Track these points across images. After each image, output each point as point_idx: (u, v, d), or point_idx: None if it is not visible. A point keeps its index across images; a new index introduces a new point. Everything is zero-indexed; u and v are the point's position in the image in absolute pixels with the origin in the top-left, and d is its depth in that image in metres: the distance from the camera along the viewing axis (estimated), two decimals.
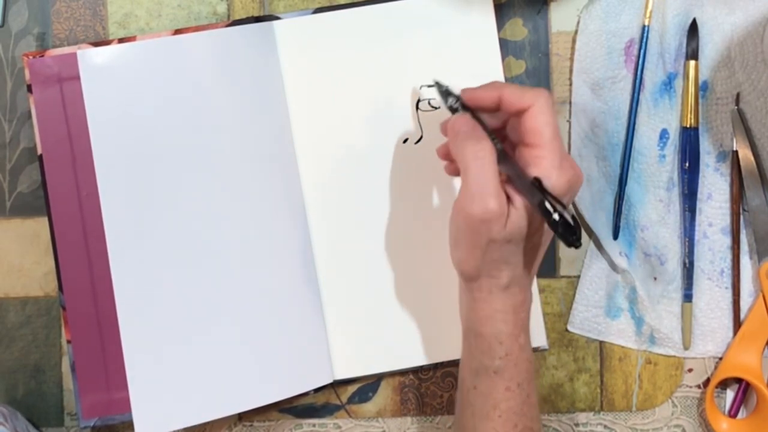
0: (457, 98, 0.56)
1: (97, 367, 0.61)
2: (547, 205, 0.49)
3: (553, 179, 0.50)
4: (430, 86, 0.63)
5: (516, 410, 0.54)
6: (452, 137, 0.54)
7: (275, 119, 0.63)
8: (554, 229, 0.49)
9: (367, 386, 0.65)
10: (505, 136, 0.56)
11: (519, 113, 0.53)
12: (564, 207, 0.49)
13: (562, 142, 0.52)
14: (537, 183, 0.50)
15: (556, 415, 0.65)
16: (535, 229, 0.53)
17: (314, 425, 0.65)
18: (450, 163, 0.59)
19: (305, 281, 0.63)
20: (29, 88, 0.61)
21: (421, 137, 0.63)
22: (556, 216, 0.48)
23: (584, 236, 0.64)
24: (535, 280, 0.63)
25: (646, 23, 0.62)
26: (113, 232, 0.61)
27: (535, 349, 0.64)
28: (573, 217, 0.48)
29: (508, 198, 0.52)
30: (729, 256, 0.64)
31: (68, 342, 0.61)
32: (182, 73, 0.61)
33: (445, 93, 0.57)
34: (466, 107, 0.55)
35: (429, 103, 0.63)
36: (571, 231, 0.48)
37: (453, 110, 0.56)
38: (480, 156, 0.51)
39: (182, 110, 0.61)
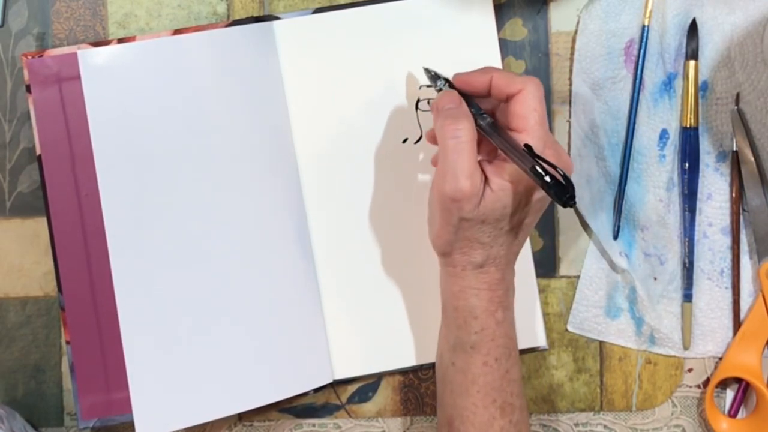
0: (446, 81, 0.57)
1: (97, 368, 0.61)
2: (538, 168, 0.48)
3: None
4: (429, 86, 0.63)
5: (495, 385, 0.55)
6: (435, 115, 0.55)
7: (275, 119, 0.63)
8: (547, 189, 0.48)
9: (367, 386, 0.65)
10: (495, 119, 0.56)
11: (508, 98, 0.53)
12: (555, 167, 0.48)
13: (548, 130, 0.53)
14: (528, 149, 0.50)
15: (556, 415, 0.65)
16: (516, 209, 0.53)
17: (314, 425, 0.65)
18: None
19: (305, 281, 0.63)
20: (28, 89, 0.61)
21: (420, 137, 0.63)
22: (548, 178, 0.48)
23: (584, 236, 0.64)
24: (535, 280, 0.63)
25: (646, 23, 0.62)
26: (113, 232, 0.61)
27: (535, 349, 0.64)
28: (564, 176, 0.48)
29: (487, 179, 0.52)
30: (729, 256, 0.64)
31: (67, 343, 0.61)
32: (182, 73, 0.61)
33: (434, 77, 0.58)
34: (453, 88, 0.56)
35: (428, 103, 0.63)
36: (564, 190, 0.48)
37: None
38: (457, 135, 0.52)
39: (182, 110, 0.61)
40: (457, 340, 0.56)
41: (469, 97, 0.55)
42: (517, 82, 0.53)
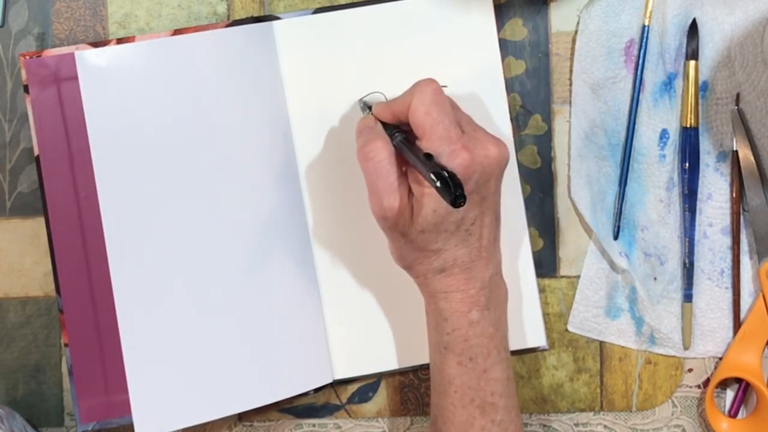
0: (369, 108, 0.59)
1: (95, 371, 0.61)
2: (431, 174, 0.48)
3: (443, 163, 0.51)
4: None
5: (471, 385, 0.55)
6: (356, 140, 0.56)
7: (275, 119, 0.63)
8: (439, 192, 0.48)
9: (367, 386, 0.65)
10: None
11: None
12: (443, 169, 0.48)
13: (453, 125, 0.52)
14: (427, 156, 0.50)
15: (556, 415, 0.65)
16: (449, 210, 0.52)
17: (314, 425, 0.65)
18: None
19: (305, 281, 0.63)
20: (26, 89, 0.61)
21: None
22: (438, 183, 0.48)
23: (584, 236, 0.64)
24: (535, 280, 0.63)
25: (646, 23, 0.62)
26: (112, 234, 0.61)
27: (535, 349, 0.64)
28: (451, 176, 0.48)
29: (410, 191, 0.53)
30: (729, 256, 0.64)
31: (66, 345, 0.61)
32: (182, 73, 0.61)
33: (363, 107, 0.60)
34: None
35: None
36: (449, 188, 0.47)
37: None
38: (370, 157, 0.53)
39: (182, 110, 0.61)
40: (434, 341, 0.56)
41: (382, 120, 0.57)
42: (406, 97, 0.54)
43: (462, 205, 0.47)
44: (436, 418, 0.57)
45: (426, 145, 0.52)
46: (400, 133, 0.54)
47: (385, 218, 0.53)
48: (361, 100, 0.61)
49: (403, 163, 0.55)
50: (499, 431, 0.55)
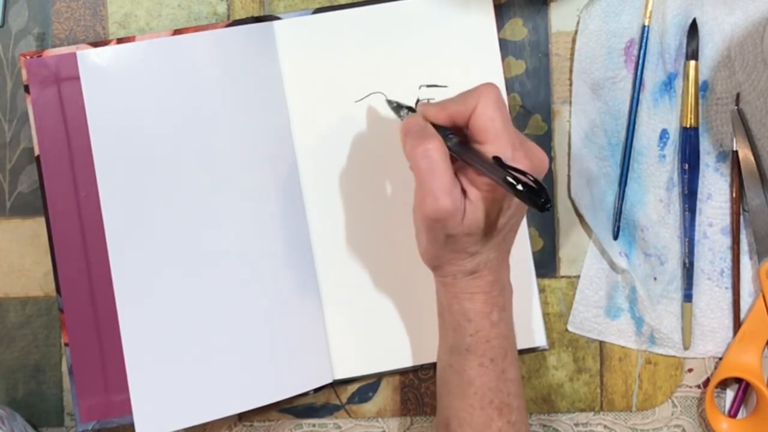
0: (410, 108, 0.57)
1: (95, 370, 0.61)
2: (509, 178, 0.48)
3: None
4: (429, 86, 0.63)
5: (491, 386, 0.55)
6: (403, 139, 0.54)
7: (275, 119, 0.63)
8: (522, 198, 0.48)
9: (367, 386, 0.65)
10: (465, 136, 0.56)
11: (470, 119, 0.53)
12: (525, 174, 0.48)
13: (513, 131, 0.52)
14: (497, 160, 0.50)
15: (556, 415, 0.65)
16: (499, 214, 0.53)
17: (314, 425, 0.65)
18: None
19: (305, 281, 0.63)
20: (26, 89, 0.61)
21: None
22: (519, 186, 0.47)
23: (584, 236, 0.64)
24: (535, 280, 0.63)
25: (646, 23, 0.62)
26: (113, 233, 0.61)
27: (535, 349, 0.64)
28: (535, 181, 0.48)
29: (464, 192, 0.52)
30: (729, 256, 0.64)
31: (66, 345, 0.61)
32: (182, 73, 0.61)
33: (397, 107, 0.58)
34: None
35: (428, 103, 0.63)
36: (538, 194, 0.47)
37: None
38: (428, 155, 0.51)
39: (182, 110, 0.61)
40: (453, 342, 0.56)
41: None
42: (471, 100, 0.52)
43: (549, 210, 0.47)
44: (449, 420, 0.56)
45: (490, 149, 0.51)
46: (454, 135, 0.53)
47: (438, 219, 0.51)
48: (390, 100, 0.60)
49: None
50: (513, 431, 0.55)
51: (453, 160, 0.53)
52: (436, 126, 0.54)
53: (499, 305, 0.55)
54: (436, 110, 0.54)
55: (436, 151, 0.51)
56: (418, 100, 0.60)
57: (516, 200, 0.53)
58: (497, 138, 0.51)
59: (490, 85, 0.53)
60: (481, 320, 0.54)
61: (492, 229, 0.53)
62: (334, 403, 0.65)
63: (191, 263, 0.61)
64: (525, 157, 0.51)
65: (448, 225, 0.52)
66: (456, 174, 0.52)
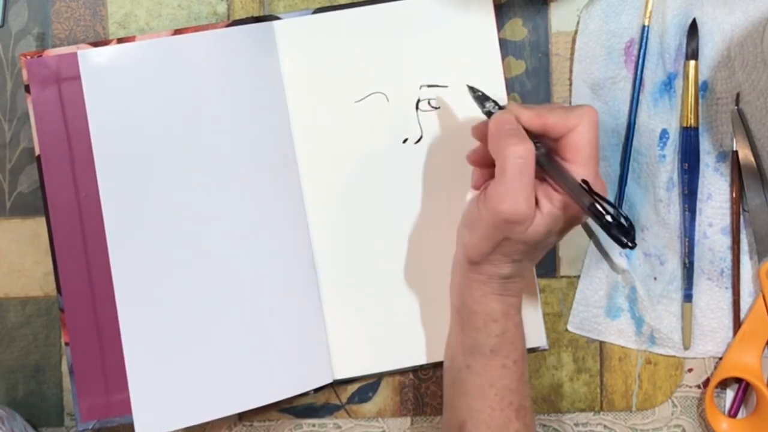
0: (496, 103, 0.56)
1: (96, 370, 0.61)
2: (598, 206, 0.48)
3: None
4: (429, 86, 0.63)
5: (512, 388, 0.55)
6: (495, 132, 0.53)
7: (275, 119, 0.63)
8: (607, 230, 0.48)
9: (367, 386, 0.65)
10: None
11: (563, 135, 0.53)
12: (614, 207, 0.48)
13: (598, 158, 0.52)
14: (585, 184, 0.50)
15: (556, 415, 0.65)
16: (557, 233, 0.53)
17: (314, 425, 0.65)
18: (479, 169, 0.58)
19: (305, 281, 0.63)
20: (27, 89, 0.61)
21: (420, 137, 0.63)
22: (608, 218, 0.48)
23: (584, 236, 0.64)
24: (535, 280, 0.63)
25: (646, 23, 0.62)
26: (113, 233, 0.61)
27: (535, 349, 0.64)
28: (626, 218, 0.48)
29: (537, 203, 0.52)
30: (729, 256, 0.64)
31: (66, 344, 0.61)
32: (182, 73, 0.61)
33: (482, 98, 0.57)
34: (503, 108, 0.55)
35: (429, 103, 0.63)
36: (625, 231, 0.48)
37: (489, 114, 0.56)
38: (521, 155, 0.51)
39: (182, 110, 0.61)
40: (474, 343, 0.55)
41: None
42: (573, 118, 0.52)
43: (633, 248, 0.47)
44: (463, 422, 0.56)
45: (580, 172, 0.51)
46: (543, 146, 0.53)
47: (510, 221, 0.51)
48: (475, 88, 0.57)
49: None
50: None
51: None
52: (528, 131, 0.53)
53: (520, 308, 0.56)
54: (532, 116, 0.53)
55: (529, 153, 0.51)
56: (495, 103, 0.58)
57: (574, 224, 0.54)
58: (588, 162, 0.52)
59: (592, 109, 0.53)
60: (506, 322, 0.55)
61: (543, 244, 0.53)
62: (334, 403, 0.65)
63: (191, 263, 0.61)
64: (602, 188, 0.52)
65: (515, 229, 0.51)
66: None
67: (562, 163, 0.52)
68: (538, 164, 0.52)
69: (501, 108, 0.56)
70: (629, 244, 0.48)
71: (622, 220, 0.48)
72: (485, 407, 0.55)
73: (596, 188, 0.51)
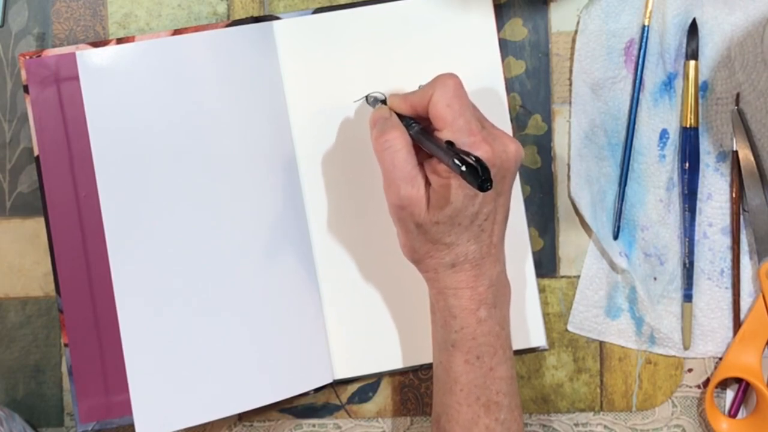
0: (382, 101, 0.59)
1: (95, 371, 0.61)
2: (456, 160, 0.48)
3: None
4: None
5: (478, 383, 0.55)
6: (370, 132, 0.56)
7: (275, 119, 0.63)
8: (464, 177, 0.48)
9: (367, 386, 0.65)
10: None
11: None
12: (468, 154, 0.49)
13: (475, 120, 0.53)
14: (450, 145, 0.51)
15: (556, 415, 0.65)
16: (465, 204, 0.53)
17: (314, 425, 0.65)
18: None
19: (305, 281, 0.63)
20: (26, 89, 0.61)
21: None
22: (464, 167, 0.48)
23: (584, 236, 0.64)
24: (535, 280, 0.63)
25: (646, 23, 0.62)
26: (113, 234, 0.61)
27: (535, 349, 0.64)
28: (477, 160, 0.48)
29: (428, 181, 0.53)
30: (729, 256, 0.64)
31: (65, 345, 0.61)
32: (182, 73, 0.61)
33: (373, 101, 0.60)
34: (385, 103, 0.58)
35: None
36: (476, 173, 0.47)
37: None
38: (387, 146, 0.53)
39: (182, 110, 0.61)
40: (441, 339, 0.56)
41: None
42: (428, 89, 0.54)
43: (489, 189, 0.47)
44: (439, 416, 0.57)
45: (446, 135, 0.52)
46: (417, 124, 0.55)
47: (402, 207, 0.53)
48: (368, 95, 0.61)
49: (419, 154, 0.55)
50: (502, 430, 0.55)
51: (419, 150, 0.54)
52: (402, 116, 0.56)
53: (488, 302, 0.55)
54: (399, 100, 0.56)
55: (397, 140, 0.53)
56: (381, 101, 0.61)
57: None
58: (452, 123, 0.52)
59: (448, 75, 0.54)
60: (466, 317, 0.54)
61: (462, 218, 0.53)
62: (334, 403, 0.65)
63: (191, 263, 0.61)
64: (484, 142, 0.52)
65: (414, 213, 0.53)
66: (422, 164, 0.54)
67: (436, 135, 0.53)
68: (416, 141, 0.54)
69: (383, 103, 0.59)
70: (485, 185, 0.47)
71: (472, 162, 0.48)
72: (453, 402, 0.55)
73: (473, 146, 0.51)
